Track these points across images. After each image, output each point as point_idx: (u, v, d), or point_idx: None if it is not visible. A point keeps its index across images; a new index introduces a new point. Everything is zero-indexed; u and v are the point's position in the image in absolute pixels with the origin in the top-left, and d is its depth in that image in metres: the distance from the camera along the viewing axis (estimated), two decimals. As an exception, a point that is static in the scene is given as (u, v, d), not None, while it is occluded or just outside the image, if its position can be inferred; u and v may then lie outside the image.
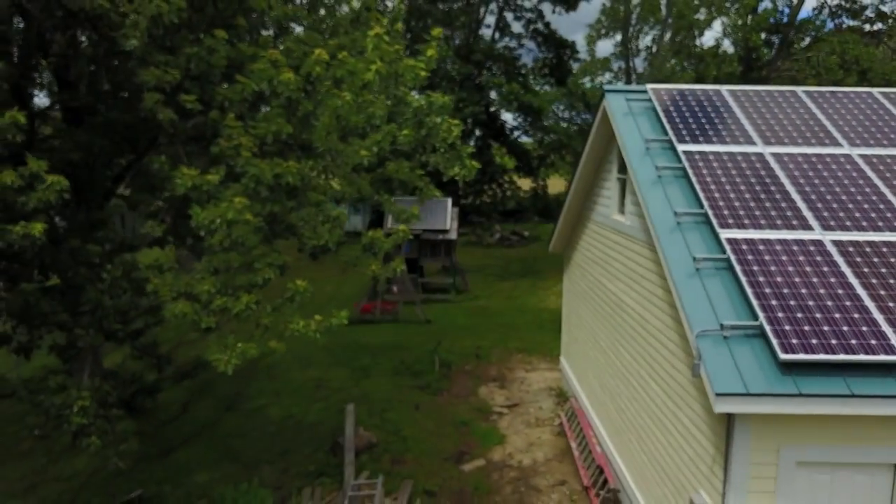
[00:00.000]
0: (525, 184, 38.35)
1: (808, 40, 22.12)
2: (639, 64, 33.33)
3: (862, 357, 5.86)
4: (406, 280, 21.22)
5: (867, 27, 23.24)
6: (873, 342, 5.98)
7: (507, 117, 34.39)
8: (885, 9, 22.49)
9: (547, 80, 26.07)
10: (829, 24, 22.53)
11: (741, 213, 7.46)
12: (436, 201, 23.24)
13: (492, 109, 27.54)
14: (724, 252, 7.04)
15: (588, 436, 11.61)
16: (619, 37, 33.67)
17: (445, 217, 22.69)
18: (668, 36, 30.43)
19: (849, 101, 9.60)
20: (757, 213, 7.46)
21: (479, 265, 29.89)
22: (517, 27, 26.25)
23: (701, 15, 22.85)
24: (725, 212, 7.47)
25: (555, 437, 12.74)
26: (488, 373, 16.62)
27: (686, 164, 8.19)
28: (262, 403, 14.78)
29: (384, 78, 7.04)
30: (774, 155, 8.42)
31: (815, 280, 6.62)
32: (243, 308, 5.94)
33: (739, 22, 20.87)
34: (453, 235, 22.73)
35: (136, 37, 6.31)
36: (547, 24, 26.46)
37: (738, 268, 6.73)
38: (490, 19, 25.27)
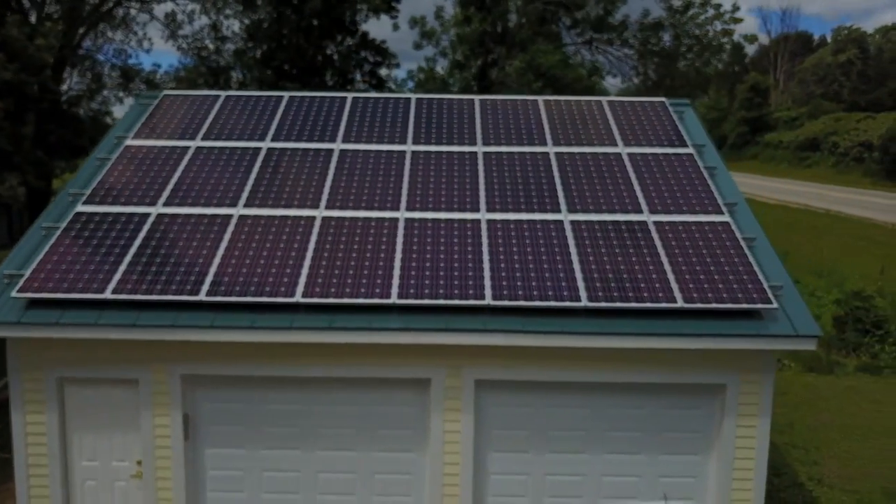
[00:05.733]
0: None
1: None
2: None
3: (75, 295, 7.72)
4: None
5: (596, 36, 25.20)
6: (96, 285, 7.83)
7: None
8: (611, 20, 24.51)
9: (366, 87, 28.02)
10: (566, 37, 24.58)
11: (115, 192, 9.34)
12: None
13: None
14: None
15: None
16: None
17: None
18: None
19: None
20: (139, 192, 9.33)
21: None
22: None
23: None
24: (103, 192, 9.35)
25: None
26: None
27: (115, 155, 10.08)
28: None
29: None
30: (199, 149, 10.31)
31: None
32: None
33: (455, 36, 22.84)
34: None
35: None
36: (364, 34, 28.32)
37: (59, 232, 8.61)
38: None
